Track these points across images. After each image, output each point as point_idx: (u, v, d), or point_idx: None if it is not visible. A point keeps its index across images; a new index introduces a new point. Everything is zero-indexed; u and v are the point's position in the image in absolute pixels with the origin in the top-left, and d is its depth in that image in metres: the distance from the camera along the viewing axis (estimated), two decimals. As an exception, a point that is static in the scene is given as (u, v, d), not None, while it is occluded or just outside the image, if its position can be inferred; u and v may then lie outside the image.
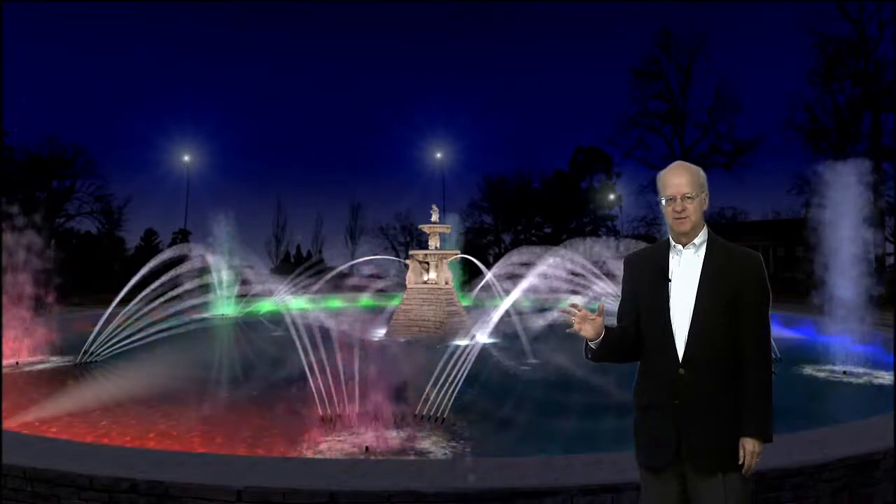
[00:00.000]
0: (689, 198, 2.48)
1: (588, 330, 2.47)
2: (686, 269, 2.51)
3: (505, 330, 11.40)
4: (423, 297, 14.74)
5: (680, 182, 2.50)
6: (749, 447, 2.37)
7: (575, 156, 54.09)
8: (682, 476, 2.46)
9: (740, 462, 2.37)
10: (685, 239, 2.52)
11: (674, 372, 2.42)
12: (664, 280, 2.51)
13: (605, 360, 2.58)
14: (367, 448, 5.63)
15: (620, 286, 2.74)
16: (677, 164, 2.61)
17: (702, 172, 2.55)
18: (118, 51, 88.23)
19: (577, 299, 11.51)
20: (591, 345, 2.52)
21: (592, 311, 2.49)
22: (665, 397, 2.45)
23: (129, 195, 45.74)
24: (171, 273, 13.64)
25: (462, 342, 7.63)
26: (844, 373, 9.11)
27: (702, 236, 2.53)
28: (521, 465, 4.02)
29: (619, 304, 2.70)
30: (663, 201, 2.54)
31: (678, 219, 2.49)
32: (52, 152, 40.94)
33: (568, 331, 2.54)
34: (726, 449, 2.39)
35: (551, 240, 40.52)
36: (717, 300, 2.42)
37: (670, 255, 2.55)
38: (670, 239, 2.58)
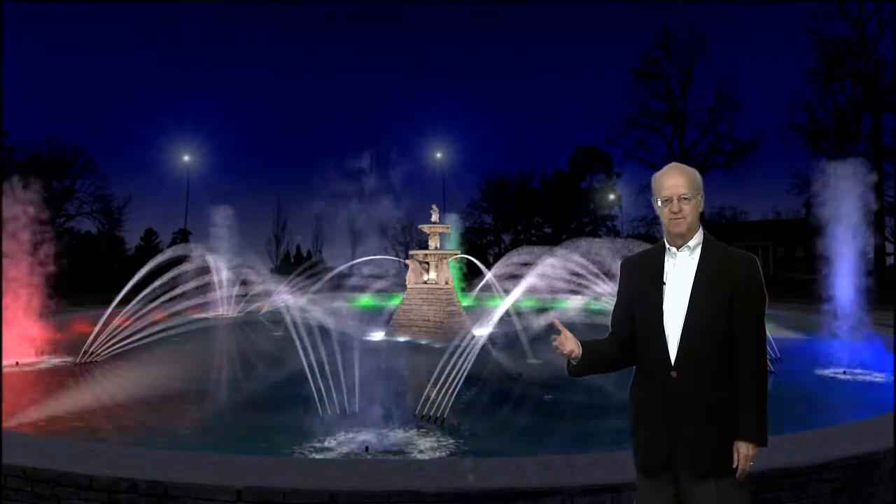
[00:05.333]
0: (685, 199, 2.46)
1: (572, 346, 2.49)
2: (681, 271, 2.49)
3: (505, 330, 11.39)
4: (423, 297, 14.73)
5: (677, 183, 2.48)
6: (743, 450, 2.34)
7: (575, 156, 54.14)
8: (676, 479, 2.44)
9: (734, 465, 2.34)
10: (680, 241, 2.50)
11: (666, 375, 2.41)
12: (659, 283, 2.50)
13: (586, 374, 2.60)
14: (367, 448, 5.63)
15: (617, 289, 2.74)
16: (673, 165, 2.59)
17: (697, 174, 2.53)
18: (118, 51, 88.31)
19: (577, 300, 11.53)
20: (572, 361, 2.53)
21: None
22: (658, 400, 2.44)
23: (129, 195, 45.90)
24: (172, 273, 13.63)
25: (462, 342, 7.62)
26: (845, 372, 9.11)
27: (697, 238, 2.51)
28: (521, 465, 4.02)
29: (614, 308, 2.68)
30: (659, 203, 2.52)
31: (674, 219, 2.47)
32: (52, 152, 41.01)
33: (559, 352, 2.53)
34: (720, 452, 2.36)
35: (551, 240, 40.47)
36: (711, 302, 2.40)
37: (665, 258, 2.54)
38: (665, 242, 2.56)
